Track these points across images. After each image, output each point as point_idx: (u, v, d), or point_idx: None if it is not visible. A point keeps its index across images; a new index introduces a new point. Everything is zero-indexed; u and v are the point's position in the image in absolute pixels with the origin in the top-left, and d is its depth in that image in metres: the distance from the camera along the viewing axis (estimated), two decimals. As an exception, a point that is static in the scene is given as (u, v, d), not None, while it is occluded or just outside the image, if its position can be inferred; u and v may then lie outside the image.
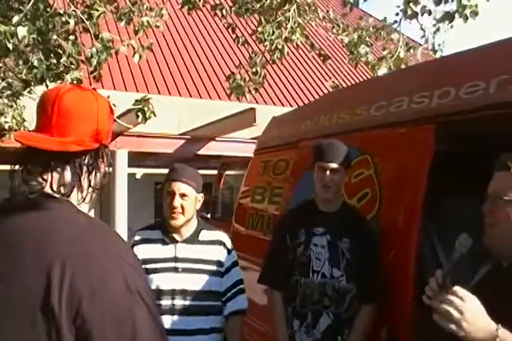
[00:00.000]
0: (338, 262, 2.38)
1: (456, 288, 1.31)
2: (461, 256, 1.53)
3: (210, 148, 10.24)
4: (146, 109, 4.99)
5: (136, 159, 10.20)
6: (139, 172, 12.44)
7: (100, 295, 1.04)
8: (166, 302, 2.29)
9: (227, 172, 6.56)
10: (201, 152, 10.26)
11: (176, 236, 2.39)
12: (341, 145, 2.46)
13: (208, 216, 6.39)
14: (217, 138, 10.16)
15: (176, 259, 2.34)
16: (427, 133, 2.37)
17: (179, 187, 2.33)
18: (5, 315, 1.03)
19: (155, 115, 5.07)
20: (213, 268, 2.39)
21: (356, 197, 2.68)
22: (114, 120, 5.90)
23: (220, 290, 2.40)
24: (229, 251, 2.47)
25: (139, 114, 5.01)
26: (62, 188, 1.18)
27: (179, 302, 2.30)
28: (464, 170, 2.83)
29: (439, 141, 2.33)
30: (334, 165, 2.40)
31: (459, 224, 2.71)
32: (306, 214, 2.54)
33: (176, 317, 2.29)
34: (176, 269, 2.33)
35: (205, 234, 2.44)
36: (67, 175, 1.19)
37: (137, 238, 2.40)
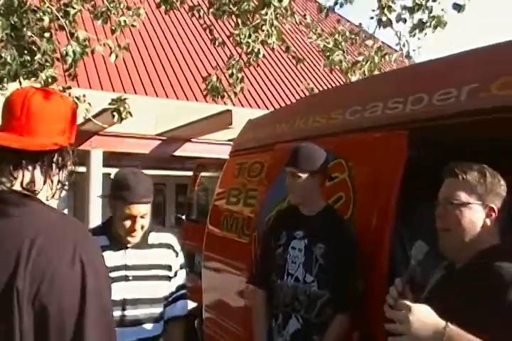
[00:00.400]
0: (311, 267, 2.36)
1: (400, 303, 1.43)
2: (418, 262, 1.63)
3: (186, 149, 10.22)
4: (122, 108, 4.95)
5: (112, 159, 10.12)
6: (114, 172, 12.33)
7: (59, 283, 1.10)
8: (116, 313, 2.08)
9: (203, 174, 6.55)
10: (177, 153, 10.23)
11: (123, 242, 2.22)
12: (311, 149, 2.45)
13: (183, 217, 6.37)
14: (193, 140, 10.15)
15: (126, 267, 2.20)
16: (400, 139, 2.40)
17: (140, 210, 2.15)
18: None
19: (131, 115, 5.03)
20: (164, 273, 2.30)
21: (330, 201, 2.71)
22: (90, 119, 5.87)
23: (163, 296, 2.31)
24: (177, 254, 2.38)
25: (115, 113, 4.97)
26: (32, 185, 1.23)
27: (130, 312, 2.18)
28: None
29: (412, 147, 2.36)
30: (293, 170, 2.43)
31: (431, 229, 2.76)
32: (290, 217, 2.56)
33: (127, 329, 2.15)
34: (126, 278, 2.19)
35: (154, 237, 2.32)
36: (37, 173, 1.25)
37: None
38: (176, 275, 2.34)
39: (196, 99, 11.15)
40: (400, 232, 2.69)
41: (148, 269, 2.25)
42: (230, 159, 4.18)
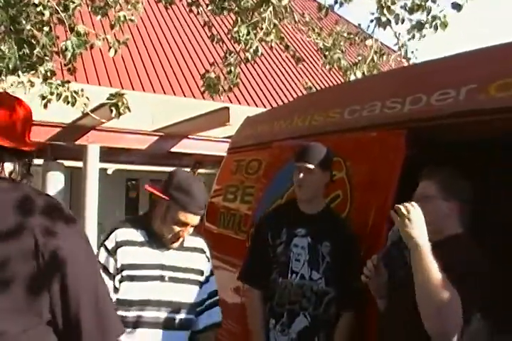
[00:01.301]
0: (318, 265, 2.39)
1: (412, 203, 1.87)
2: (392, 243, 2.06)
3: (183, 146, 10.21)
4: (120, 103, 4.95)
5: (108, 154, 10.10)
6: (111, 167, 12.33)
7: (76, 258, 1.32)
8: (151, 314, 2.09)
9: (200, 171, 6.55)
10: (174, 149, 10.21)
11: (162, 240, 2.17)
12: (320, 146, 2.49)
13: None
14: (190, 136, 10.14)
15: (162, 267, 2.14)
16: (398, 138, 2.42)
17: (194, 220, 2.13)
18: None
19: (129, 110, 5.03)
20: (196, 277, 2.25)
21: (328, 199, 2.72)
22: (87, 114, 5.86)
23: (197, 301, 2.26)
24: (208, 260, 2.34)
25: (113, 108, 4.97)
26: (13, 175, 1.41)
27: (164, 314, 2.12)
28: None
29: (410, 146, 2.38)
30: (307, 166, 2.44)
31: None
32: (289, 214, 2.55)
33: (160, 331, 2.11)
34: (162, 278, 2.13)
35: (189, 240, 2.27)
36: (17, 166, 1.42)
37: (121, 238, 2.10)
38: (207, 281, 2.30)
39: (194, 96, 11.14)
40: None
41: (184, 272, 2.20)
42: (228, 156, 4.20)
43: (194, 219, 2.12)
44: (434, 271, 1.69)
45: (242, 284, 2.78)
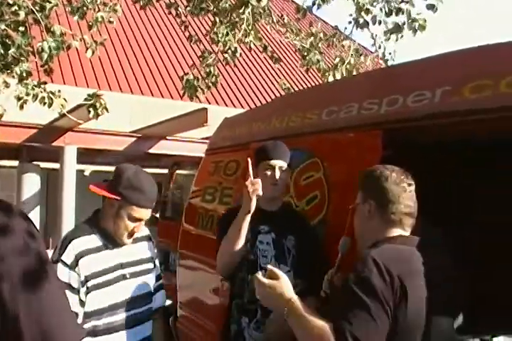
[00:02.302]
0: (285, 258, 2.43)
1: (269, 268, 1.82)
2: (342, 255, 2.03)
3: (161, 147, 10.17)
4: (98, 104, 4.91)
5: (86, 156, 10.01)
6: (88, 169, 12.21)
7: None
8: (122, 315, 2.11)
9: (178, 172, 6.53)
10: (152, 150, 10.16)
11: (117, 240, 2.16)
12: (284, 145, 2.53)
13: (157, 215, 6.34)
14: (168, 137, 10.10)
15: (121, 265, 2.15)
16: (375, 139, 2.45)
17: (147, 214, 2.14)
18: None
19: (107, 111, 5.00)
20: (150, 266, 2.30)
21: (305, 199, 2.74)
22: (63, 115, 5.81)
23: (152, 289, 2.32)
24: (153, 244, 2.38)
25: (91, 109, 4.93)
26: None
27: (134, 311, 2.16)
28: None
29: (387, 147, 2.41)
30: (281, 163, 2.47)
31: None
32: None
33: (134, 329, 2.15)
34: (124, 277, 2.14)
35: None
36: None
37: (78, 250, 2.03)
38: (154, 265, 2.35)
39: (172, 97, 11.11)
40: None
41: (140, 264, 2.24)
42: (206, 157, 4.19)
43: (147, 214, 2.13)
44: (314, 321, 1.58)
45: (220, 285, 2.75)
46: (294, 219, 2.57)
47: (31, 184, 9.84)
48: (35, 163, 9.79)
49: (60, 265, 1.98)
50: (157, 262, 2.41)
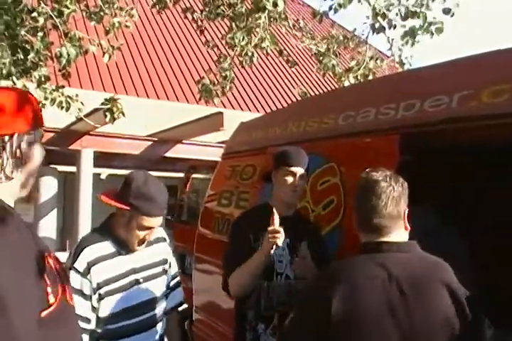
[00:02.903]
0: None
1: None
2: None
3: (177, 151, 10.22)
4: (114, 108, 4.96)
5: (102, 159, 10.09)
6: (104, 172, 12.31)
7: None
8: (137, 319, 2.14)
9: (194, 176, 6.55)
10: (168, 154, 10.22)
11: (130, 246, 2.17)
12: (304, 152, 2.53)
13: (169, 217, 6.31)
14: (184, 141, 10.14)
15: (134, 271, 2.17)
16: (391, 144, 2.44)
17: (159, 222, 2.14)
18: None
19: (124, 115, 5.04)
20: (164, 267, 2.32)
21: (322, 204, 2.74)
22: (81, 119, 5.87)
23: (166, 288, 2.35)
24: (168, 243, 2.40)
25: (108, 113, 4.98)
26: None
27: (147, 314, 2.19)
28: (425, 181, 2.93)
29: (403, 152, 2.40)
30: (302, 171, 2.47)
31: (420, 232, 2.80)
32: (265, 218, 2.55)
33: (148, 332, 2.18)
34: (137, 281, 2.16)
35: None
36: None
37: (90, 258, 2.05)
38: (170, 266, 2.36)
39: (187, 101, 11.16)
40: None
41: (154, 267, 2.25)
42: (222, 161, 4.20)
43: (158, 222, 2.13)
44: None
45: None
46: (306, 224, 2.59)
47: (48, 187, 9.94)
48: (52, 166, 9.89)
49: (72, 272, 2.01)
50: (174, 261, 2.41)
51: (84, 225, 9.17)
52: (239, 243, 2.54)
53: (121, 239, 2.14)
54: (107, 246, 2.12)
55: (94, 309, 2.04)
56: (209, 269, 3.77)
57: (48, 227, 9.71)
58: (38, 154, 1.30)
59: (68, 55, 4.51)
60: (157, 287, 2.26)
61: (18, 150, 1.23)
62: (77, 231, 9.20)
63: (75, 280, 2.00)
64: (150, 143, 9.99)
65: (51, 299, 1.14)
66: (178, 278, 2.45)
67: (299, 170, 2.47)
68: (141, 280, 2.17)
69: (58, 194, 10.33)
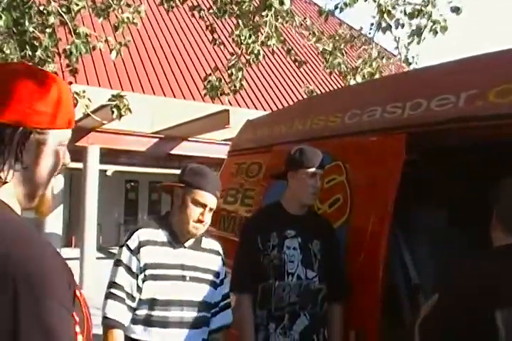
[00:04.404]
0: (312, 263, 2.44)
1: None
2: None
3: (183, 148, 10.24)
4: (121, 105, 4.99)
5: (108, 156, 10.13)
6: (111, 169, 12.36)
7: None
8: (175, 313, 2.13)
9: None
10: (174, 151, 10.24)
11: (182, 240, 2.21)
12: (319, 151, 2.54)
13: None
14: (190, 139, 10.16)
15: (183, 267, 2.17)
16: (398, 142, 2.44)
17: (212, 201, 2.18)
18: None
19: (130, 111, 5.07)
20: (213, 278, 2.28)
21: (328, 203, 2.74)
22: (87, 115, 5.89)
23: (212, 301, 2.30)
24: (223, 262, 2.37)
25: (114, 110, 5.00)
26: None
27: (187, 314, 2.16)
28: (432, 180, 2.94)
29: (410, 151, 2.40)
30: (321, 172, 2.50)
31: (426, 229, 2.81)
32: (276, 217, 2.56)
33: (184, 330, 2.15)
34: (183, 278, 2.16)
35: (206, 242, 2.32)
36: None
37: (143, 238, 2.15)
38: (222, 283, 2.33)
39: (194, 98, 11.18)
40: (396, 234, 2.73)
41: (203, 272, 2.24)
42: (228, 159, 4.21)
43: (212, 200, 2.18)
44: None
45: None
46: (320, 223, 2.57)
47: (55, 183, 9.98)
48: (58, 162, 9.94)
49: (124, 249, 2.14)
50: (227, 280, 2.39)
51: (91, 221, 9.21)
52: (247, 250, 2.57)
53: (175, 231, 2.21)
54: (159, 234, 2.19)
55: (138, 289, 2.10)
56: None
57: (54, 223, 9.75)
58: (49, 160, 1.09)
59: (78, 51, 4.54)
60: (203, 293, 2.22)
61: (19, 149, 1.02)
62: (83, 228, 9.24)
63: (126, 256, 2.12)
64: (156, 140, 10.01)
65: (79, 339, 1.01)
66: (229, 300, 2.40)
67: (318, 172, 2.48)
68: (188, 279, 2.17)
69: (64, 190, 10.37)
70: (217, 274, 2.30)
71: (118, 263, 2.13)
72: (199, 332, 2.23)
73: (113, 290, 2.09)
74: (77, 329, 1.01)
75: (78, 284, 1.11)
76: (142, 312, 2.11)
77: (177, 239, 2.20)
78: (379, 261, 2.33)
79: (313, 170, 2.47)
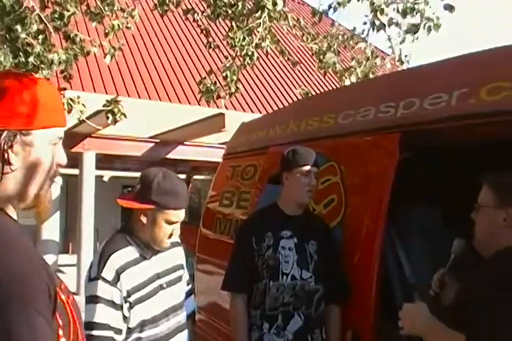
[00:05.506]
0: (307, 264, 2.43)
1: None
2: (456, 257, 1.97)
3: (179, 152, 10.24)
4: (116, 110, 4.98)
5: (104, 161, 10.11)
6: (107, 174, 12.33)
7: None
8: (163, 326, 2.08)
9: (196, 177, 6.56)
10: (170, 156, 10.24)
11: (152, 250, 2.12)
12: (312, 150, 2.54)
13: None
14: (186, 143, 10.16)
15: (158, 276, 2.11)
16: (391, 142, 2.44)
17: (182, 215, 2.09)
18: None
19: (125, 116, 5.06)
20: (181, 272, 2.28)
21: (322, 203, 2.74)
22: (83, 121, 5.89)
23: (184, 295, 2.31)
24: (182, 249, 2.36)
25: (109, 115, 5.00)
26: None
27: (173, 321, 2.13)
28: (426, 179, 2.93)
29: (404, 150, 2.40)
30: (315, 169, 2.49)
31: (422, 231, 2.80)
32: (272, 218, 2.56)
33: (174, 339, 2.12)
34: (161, 287, 2.10)
35: None
36: None
37: (118, 265, 1.97)
38: (183, 271, 2.33)
39: (189, 102, 11.18)
40: (390, 234, 2.73)
41: (173, 272, 2.21)
42: (223, 162, 4.21)
43: (183, 214, 2.09)
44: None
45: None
46: (316, 224, 2.57)
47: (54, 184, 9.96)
48: (55, 168, 9.92)
49: (100, 282, 1.93)
50: (185, 266, 2.38)
51: (87, 227, 9.19)
52: (241, 250, 2.58)
53: (145, 242, 2.08)
54: (131, 251, 2.05)
55: (125, 319, 1.97)
56: (211, 269, 3.77)
57: (51, 230, 9.73)
58: (39, 160, 1.11)
59: (60, 62, 4.53)
60: (179, 292, 2.23)
61: (6, 152, 1.04)
62: (80, 234, 9.22)
63: (104, 290, 1.92)
64: (152, 144, 10.01)
65: None
66: (190, 286, 2.41)
67: (313, 169, 2.48)
68: (165, 286, 2.12)
69: (61, 196, 10.34)
70: (182, 266, 2.30)
71: (95, 300, 1.91)
72: (185, 333, 2.22)
73: (96, 332, 1.87)
74: (60, 332, 1.01)
75: (74, 289, 1.11)
76: (132, 338, 2.00)
77: (148, 248, 2.09)
78: (374, 261, 2.33)
79: (306, 168, 2.47)
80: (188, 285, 2.39)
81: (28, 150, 1.08)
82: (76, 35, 4.92)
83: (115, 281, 1.94)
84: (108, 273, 1.94)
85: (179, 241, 2.35)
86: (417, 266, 2.68)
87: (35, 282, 0.96)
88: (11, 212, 1.09)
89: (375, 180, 2.47)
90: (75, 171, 9.51)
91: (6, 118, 1.04)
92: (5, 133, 1.04)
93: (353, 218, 2.56)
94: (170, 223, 2.05)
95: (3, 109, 1.04)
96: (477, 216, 1.79)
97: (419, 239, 2.78)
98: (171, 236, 2.09)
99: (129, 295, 1.96)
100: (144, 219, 2.05)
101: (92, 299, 1.92)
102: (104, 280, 1.93)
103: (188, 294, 2.39)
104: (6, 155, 1.04)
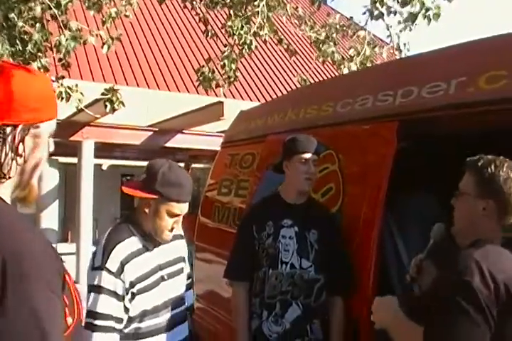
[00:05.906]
0: (307, 253, 2.42)
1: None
2: (435, 242, 1.96)
3: (178, 141, 10.23)
4: (114, 99, 4.97)
5: (103, 150, 10.10)
6: (106, 163, 12.34)
7: None
8: (163, 317, 2.10)
9: (194, 165, 6.57)
10: (168, 144, 10.23)
11: (155, 241, 2.12)
12: (313, 138, 2.53)
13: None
14: (184, 131, 10.15)
15: (160, 267, 2.12)
16: (390, 131, 2.44)
17: (186, 207, 2.09)
18: None
19: (123, 105, 5.05)
20: (183, 265, 2.29)
21: (321, 192, 2.74)
22: (81, 110, 5.87)
23: (185, 287, 2.34)
24: (185, 243, 2.37)
25: (107, 104, 4.99)
26: None
27: (174, 312, 2.15)
28: (424, 167, 2.94)
29: (402, 139, 2.40)
30: (315, 157, 2.48)
31: (420, 220, 2.81)
32: (273, 207, 2.56)
33: (174, 330, 2.15)
34: (163, 278, 2.11)
35: None
36: None
37: (123, 256, 1.98)
38: (185, 264, 2.34)
39: (188, 91, 11.15)
40: (388, 223, 2.74)
41: (175, 264, 2.22)
42: (222, 150, 4.21)
43: (186, 208, 2.09)
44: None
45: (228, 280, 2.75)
46: (319, 212, 2.55)
47: (50, 178, 9.97)
48: (53, 157, 9.91)
49: (104, 273, 1.94)
50: (187, 260, 2.39)
51: (86, 216, 9.21)
52: (242, 239, 2.61)
53: (148, 233, 2.09)
54: (134, 242, 2.05)
55: (126, 309, 1.98)
56: (209, 258, 3.79)
57: (50, 218, 9.76)
58: (42, 151, 1.16)
59: (67, 44, 4.51)
60: (180, 284, 2.24)
61: (20, 145, 1.08)
62: (78, 222, 9.24)
63: (108, 281, 1.93)
64: (150, 133, 10.00)
65: (69, 320, 1.08)
66: (190, 280, 2.43)
67: (312, 157, 2.47)
68: (166, 277, 2.13)
69: (60, 185, 10.36)
70: (183, 259, 2.31)
71: (99, 290, 1.92)
72: (185, 325, 2.24)
73: (99, 322, 1.90)
74: (67, 311, 1.07)
75: (74, 278, 1.17)
76: (131, 327, 2.02)
77: (151, 239, 2.10)
78: (372, 249, 2.34)
79: (305, 155, 2.46)
80: (188, 278, 2.40)
81: (36, 142, 1.13)
82: (74, 25, 4.88)
83: (119, 273, 1.95)
84: (112, 264, 1.95)
85: (182, 234, 2.36)
86: (414, 254, 2.70)
87: (46, 259, 1.01)
88: (7, 199, 1.12)
89: (373, 168, 2.48)
90: (74, 160, 9.50)
91: (19, 113, 1.08)
92: (20, 127, 1.08)
93: (351, 206, 2.56)
94: (172, 215, 2.06)
95: (17, 104, 1.08)
96: (457, 202, 1.74)
97: (417, 227, 2.79)
98: (172, 229, 2.10)
99: (132, 285, 1.98)
100: (147, 209, 2.06)
101: (96, 289, 1.93)
102: (109, 271, 1.94)
103: (188, 287, 2.40)
104: (19, 148, 1.09)
